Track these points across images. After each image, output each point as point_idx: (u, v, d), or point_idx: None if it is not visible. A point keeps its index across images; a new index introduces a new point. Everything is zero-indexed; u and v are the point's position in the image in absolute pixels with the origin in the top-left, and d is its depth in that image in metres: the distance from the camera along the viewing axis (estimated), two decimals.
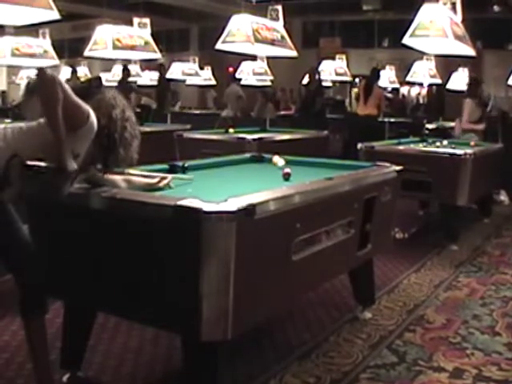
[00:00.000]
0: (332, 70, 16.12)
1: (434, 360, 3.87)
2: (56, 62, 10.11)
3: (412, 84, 17.87)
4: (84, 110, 2.97)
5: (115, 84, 12.46)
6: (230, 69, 18.11)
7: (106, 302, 3.21)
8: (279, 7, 8.46)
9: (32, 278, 3.06)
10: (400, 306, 4.84)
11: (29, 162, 2.91)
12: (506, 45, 18.97)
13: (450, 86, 15.39)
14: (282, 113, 16.08)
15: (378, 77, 11.34)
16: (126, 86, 13.02)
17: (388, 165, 4.61)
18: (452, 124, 11.94)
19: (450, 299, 5.07)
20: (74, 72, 13.07)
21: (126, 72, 12.88)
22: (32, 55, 9.53)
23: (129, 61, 13.40)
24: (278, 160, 4.79)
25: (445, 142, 8.25)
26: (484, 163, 7.20)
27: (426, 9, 7.05)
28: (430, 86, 17.21)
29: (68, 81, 12.85)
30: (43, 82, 2.87)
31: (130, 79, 13.19)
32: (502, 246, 6.95)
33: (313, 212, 3.45)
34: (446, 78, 15.45)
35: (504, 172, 8.67)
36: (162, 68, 13.98)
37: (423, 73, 14.01)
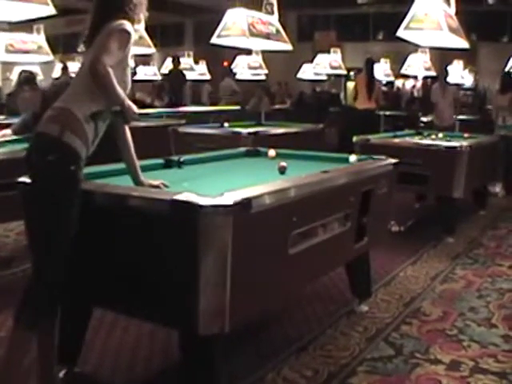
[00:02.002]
0: (327, 63, 16.11)
1: (430, 352, 3.88)
2: (50, 57, 10.07)
3: (407, 77, 17.86)
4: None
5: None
6: (225, 63, 18.08)
7: (103, 298, 3.21)
8: (274, 1, 8.42)
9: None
10: (396, 299, 4.85)
11: None
12: (501, 37, 18.95)
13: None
14: (277, 106, 16.07)
15: (373, 68, 11.34)
16: (178, 75, 12.94)
17: (384, 158, 4.61)
18: None
19: (447, 291, 5.08)
20: (65, 68, 12.98)
21: (177, 61, 13.12)
22: (26, 51, 9.48)
23: None
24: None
25: (440, 135, 8.27)
26: (480, 155, 7.20)
27: (420, 1, 7.04)
28: (425, 78, 17.20)
29: (57, 79, 12.83)
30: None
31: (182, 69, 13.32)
32: (498, 238, 6.96)
33: (309, 205, 3.44)
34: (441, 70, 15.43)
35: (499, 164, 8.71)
36: (175, 60, 13.63)
37: (418, 65, 14.00)
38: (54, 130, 2.97)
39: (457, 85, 16.34)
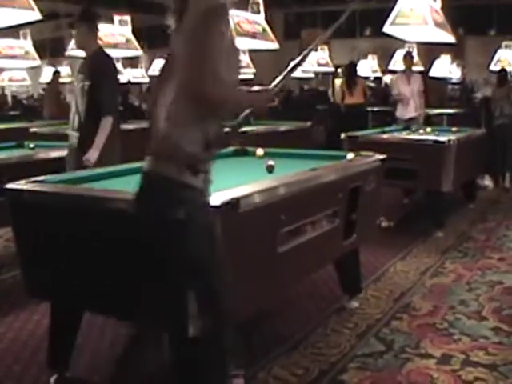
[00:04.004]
0: (314, 61, 16.11)
1: (421, 347, 3.89)
2: (38, 62, 10.06)
3: (394, 72, 17.89)
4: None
5: None
6: None
7: (92, 302, 3.20)
8: (260, 0, 8.44)
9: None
10: (386, 295, 4.86)
11: None
12: (488, 31, 19.00)
13: (432, 73, 15.41)
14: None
15: (352, 69, 11.94)
16: None
17: (371, 154, 4.63)
18: (436, 111, 12.00)
19: (437, 286, 5.10)
20: (57, 72, 12.98)
21: None
22: (13, 56, 9.46)
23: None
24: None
25: (428, 129, 8.30)
26: (467, 149, 7.24)
27: None
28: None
29: (49, 84, 12.78)
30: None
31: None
32: (487, 231, 6.99)
33: (297, 203, 3.45)
34: (429, 65, 15.47)
35: (487, 157, 8.73)
36: None
37: None
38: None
39: (444, 79, 16.42)
